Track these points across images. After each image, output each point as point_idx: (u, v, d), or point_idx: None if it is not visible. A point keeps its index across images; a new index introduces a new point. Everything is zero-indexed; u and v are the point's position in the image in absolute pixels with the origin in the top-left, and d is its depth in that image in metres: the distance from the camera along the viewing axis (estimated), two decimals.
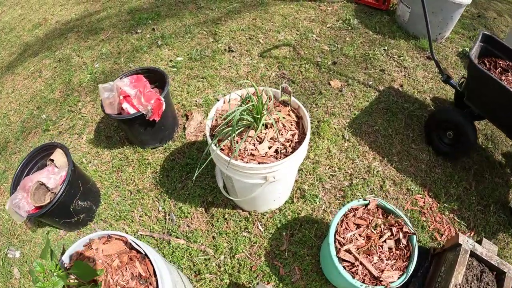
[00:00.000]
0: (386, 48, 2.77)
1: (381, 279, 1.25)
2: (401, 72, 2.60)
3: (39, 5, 3.88)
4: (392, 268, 1.29)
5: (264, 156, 1.36)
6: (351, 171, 2.01)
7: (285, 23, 3.06)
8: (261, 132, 1.41)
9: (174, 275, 1.25)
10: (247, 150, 1.37)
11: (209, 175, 2.00)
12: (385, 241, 1.35)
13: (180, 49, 2.87)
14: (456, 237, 1.51)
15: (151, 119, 1.86)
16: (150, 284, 1.08)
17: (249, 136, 1.39)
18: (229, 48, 2.82)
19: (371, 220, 1.38)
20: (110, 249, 1.13)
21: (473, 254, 1.50)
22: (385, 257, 1.32)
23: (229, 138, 1.36)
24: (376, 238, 1.34)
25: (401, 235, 1.35)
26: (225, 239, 1.77)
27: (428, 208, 1.87)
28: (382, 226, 1.37)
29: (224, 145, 1.39)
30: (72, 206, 1.71)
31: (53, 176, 1.69)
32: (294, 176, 1.83)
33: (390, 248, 1.34)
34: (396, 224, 1.38)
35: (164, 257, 1.71)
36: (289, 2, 3.32)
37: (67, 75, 2.80)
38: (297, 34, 2.94)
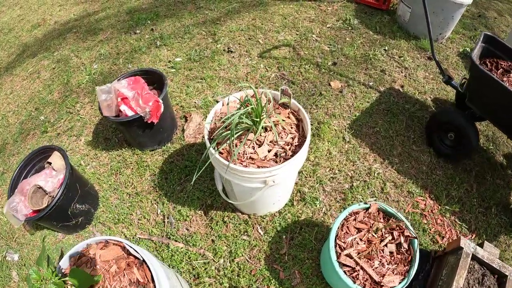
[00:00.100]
0: (386, 48, 2.75)
1: (382, 284, 1.24)
2: (401, 72, 2.59)
3: (38, 5, 3.86)
4: (393, 273, 1.28)
5: (264, 160, 1.35)
6: (351, 173, 2.00)
7: (285, 23, 3.04)
8: (261, 135, 1.40)
9: (173, 280, 1.24)
10: (246, 154, 1.36)
11: (208, 177, 1.99)
12: (386, 245, 1.33)
13: (179, 49, 2.85)
14: (457, 240, 1.49)
15: (149, 121, 1.84)
16: None
17: (248, 140, 1.38)
18: (228, 48, 2.80)
19: (372, 224, 1.37)
20: (107, 255, 1.12)
21: (474, 257, 1.48)
22: (386, 261, 1.30)
23: (228, 142, 1.34)
24: (377, 242, 1.32)
25: (402, 239, 1.34)
26: (225, 242, 1.76)
27: (429, 211, 1.86)
28: (383, 230, 1.36)
29: (223, 149, 1.38)
30: (70, 209, 1.70)
31: (51, 179, 1.68)
32: (294, 179, 1.82)
33: (391, 252, 1.32)
34: (397, 228, 1.36)
35: (163, 261, 1.69)
36: (288, 2, 3.30)
37: (66, 76, 2.79)
38: (297, 34, 2.92)
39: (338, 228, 1.37)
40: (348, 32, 2.93)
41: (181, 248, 1.74)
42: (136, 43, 2.97)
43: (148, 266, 1.10)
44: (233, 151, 1.33)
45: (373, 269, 1.27)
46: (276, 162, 1.35)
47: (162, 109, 1.87)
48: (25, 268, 1.79)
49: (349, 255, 1.30)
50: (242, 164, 1.34)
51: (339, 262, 1.28)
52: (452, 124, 1.92)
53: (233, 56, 2.74)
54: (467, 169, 2.03)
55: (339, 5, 3.23)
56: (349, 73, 2.57)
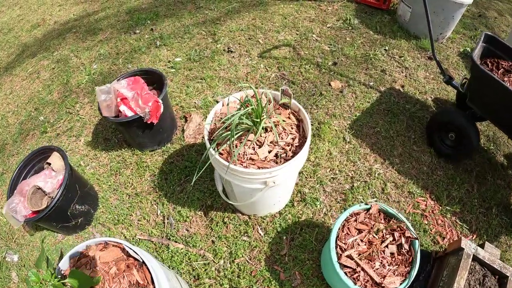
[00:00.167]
0: (387, 48, 2.75)
1: (383, 285, 1.24)
2: (402, 72, 2.58)
3: (38, 5, 3.85)
4: (394, 274, 1.27)
5: (264, 161, 1.34)
6: (352, 174, 1.99)
7: (285, 23, 3.03)
8: (261, 136, 1.39)
9: (173, 282, 1.23)
10: (246, 155, 1.35)
11: (208, 178, 1.98)
12: (387, 246, 1.33)
13: (178, 49, 2.85)
14: (458, 241, 1.49)
15: (149, 122, 1.83)
16: None
17: (249, 140, 1.37)
18: (228, 48, 2.79)
19: (373, 225, 1.36)
20: (107, 256, 1.11)
21: (475, 258, 1.48)
22: (387, 262, 1.30)
23: (228, 143, 1.34)
24: (378, 243, 1.32)
25: (403, 240, 1.33)
26: (225, 243, 1.75)
27: (430, 211, 1.85)
28: (384, 231, 1.35)
29: (223, 150, 1.37)
30: (69, 210, 1.69)
31: (50, 180, 1.67)
32: (295, 180, 1.81)
33: (392, 253, 1.32)
34: (398, 228, 1.36)
35: (163, 262, 1.69)
36: (288, 1, 3.29)
37: (65, 76, 2.78)
38: (297, 34, 2.91)
39: (339, 229, 1.36)
40: (348, 32, 2.92)
41: (181, 249, 1.74)
42: (136, 43, 2.96)
43: (148, 268, 1.09)
44: (233, 152, 1.33)
45: (374, 270, 1.27)
46: (277, 162, 1.35)
47: (161, 110, 1.87)
48: (25, 269, 1.78)
49: (350, 256, 1.29)
50: (242, 165, 1.33)
51: (340, 263, 1.27)
52: (453, 124, 1.92)
53: (233, 56, 2.74)
54: (467, 169, 2.03)
55: (339, 5, 3.22)
56: (350, 73, 2.56)
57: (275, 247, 1.73)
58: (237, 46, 2.82)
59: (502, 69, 1.83)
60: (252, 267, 1.67)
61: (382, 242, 1.33)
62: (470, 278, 1.44)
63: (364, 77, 2.54)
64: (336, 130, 2.20)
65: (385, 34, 2.87)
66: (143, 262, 1.11)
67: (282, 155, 1.36)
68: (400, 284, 1.25)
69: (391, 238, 1.34)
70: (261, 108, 1.29)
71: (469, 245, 1.46)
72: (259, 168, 1.32)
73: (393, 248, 1.32)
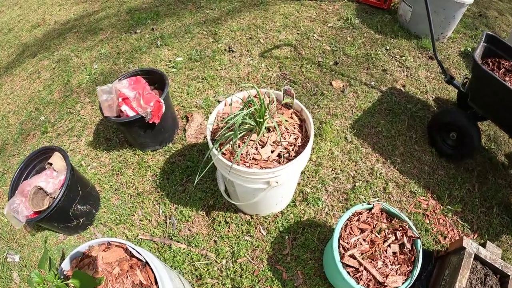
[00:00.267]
0: (388, 48, 2.75)
1: (385, 284, 1.24)
2: (403, 72, 2.58)
3: (38, 5, 3.84)
4: (396, 273, 1.27)
5: (267, 161, 1.34)
6: (354, 174, 1.99)
7: (286, 22, 3.03)
8: (264, 136, 1.39)
9: (176, 282, 1.23)
10: (249, 155, 1.35)
11: (210, 178, 1.98)
12: (389, 245, 1.33)
13: (179, 49, 2.84)
14: (460, 240, 1.49)
15: (150, 122, 1.83)
16: None
17: (251, 140, 1.37)
18: (229, 48, 2.79)
19: (375, 225, 1.37)
20: (110, 257, 1.11)
21: (477, 258, 1.48)
22: (390, 262, 1.30)
23: (231, 143, 1.34)
24: (380, 242, 1.32)
25: (405, 239, 1.33)
26: (227, 243, 1.75)
27: (432, 211, 1.86)
28: (386, 230, 1.35)
29: (225, 150, 1.37)
30: (71, 210, 1.69)
31: (52, 180, 1.67)
32: (297, 180, 1.81)
33: (394, 253, 1.32)
34: (401, 228, 1.36)
35: (165, 262, 1.69)
36: (289, 1, 3.29)
37: (66, 76, 2.78)
38: (298, 33, 2.91)
39: (342, 228, 1.36)
40: (349, 31, 2.92)
41: (183, 249, 1.74)
42: (137, 43, 2.96)
43: (151, 268, 1.09)
44: (236, 152, 1.33)
45: (376, 270, 1.27)
46: (279, 162, 1.35)
47: (163, 109, 1.86)
48: (26, 269, 1.78)
49: (352, 256, 1.29)
50: (245, 165, 1.33)
51: (343, 263, 1.28)
52: (454, 124, 1.92)
53: (234, 56, 2.73)
54: (469, 169, 2.03)
55: (340, 5, 3.22)
56: (351, 73, 2.56)
57: (277, 247, 1.73)
58: (238, 45, 2.82)
59: (503, 69, 1.83)
60: (255, 266, 1.67)
61: (385, 241, 1.33)
62: (471, 277, 1.44)
63: (365, 76, 2.54)
64: (337, 130, 2.20)
65: (386, 34, 2.87)
66: (146, 262, 1.11)
67: (284, 155, 1.36)
68: (403, 283, 1.25)
69: (393, 238, 1.34)
70: (264, 108, 1.29)
71: (470, 244, 1.46)
72: (262, 168, 1.32)
73: (395, 247, 1.32)
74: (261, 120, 1.31)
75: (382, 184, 1.95)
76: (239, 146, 1.37)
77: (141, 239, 1.79)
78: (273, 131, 1.41)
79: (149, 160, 2.10)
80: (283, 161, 1.35)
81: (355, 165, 2.03)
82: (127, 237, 1.81)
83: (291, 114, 1.50)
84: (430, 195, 1.92)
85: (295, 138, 1.41)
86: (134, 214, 1.89)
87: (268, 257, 1.70)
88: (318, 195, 1.89)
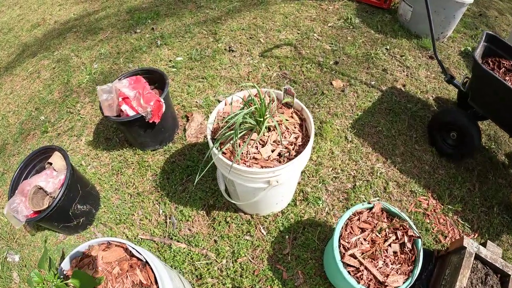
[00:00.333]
0: (388, 47, 2.75)
1: (386, 284, 1.23)
2: (403, 71, 2.58)
3: (38, 5, 3.84)
4: (397, 273, 1.27)
5: (267, 160, 1.34)
6: (354, 173, 1.99)
7: (286, 22, 3.03)
8: (264, 135, 1.39)
9: (176, 282, 1.23)
10: (249, 154, 1.35)
11: (210, 177, 1.98)
12: (390, 245, 1.32)
13: (179, 49, 2.84)
14: (460, 240, 1.49)
15: (150, 121, 1.83)
16: None
17: (252, 139, 1.37)
18: (229, 47, 2.79)
19: (376, 224, 1.36)
20: (110, 256, 1.11)
21: (477, 257, 1.48)
22: (390, 261, 1.30)
23: (231, 142, 1.33)
24: (381, 242, 1.32)
25: (406, 238, 1.33)
26: (227, 242, 1.75)
27: (432, 210, 1.85)
28: (387, 230, 1.35)
29: (226, 149, 1.37)
30: (71, 210, 1.68)
31: (52, 179, 1.67)
32: (297, 179, 1.81)
33: (395, 252, 1.32)
34: (401, 227, 1.36)
35: (165, 262, 1.69)
36: (289, 1, 3.29)
37: (66, 75, 2.77)
38: (298, 33, 2.91)
39: (342, 228, 1.36)
40: (349, 31, 2.92)
41: (184, 248, 1.73)
42: (137, 43, 2.96)
43: (151, 268, 1.09)
44: (237, 151, 1.32)
45: (377, 269, 1.27)
46: (280, 162, 1.34)
47: (163, 109, 1.86)
48: (26, 269, 1.78)
49: (353, 255, 1.29)
50: (245, 164, 1.33)
51: (343, 262, 1.27)
52: (455, 123, 1.92)
53: (235, 55, 2.73)
54: (469, 168, 2.03)
55: (340, 4, 3.22)
56: (351, 72, 2.56)
57: (278, 247, 1.73)
58: (238, 45, 2.82)
59: (503, 68, 1.83)
60: (255, 266, 1.67)
61: (385, 241, 1.33)
62: (472, 277, 1.44)
63: (366, 76, 2.54)
64: (338, 129, 2.20)
65: (386, 33, 2.87)
66: (146, 262, 1.11)
67: (285, 154, 1.36)
68: (403, 283, 1.25)
69: (394, 237, 1.34)
70: (264, 107, 1.29)
71: (471, 244, 1.46)
72: (262, 167, 1.31)
73: (396, 247, 1.32)
74: (262, 119, 1.31)
75: (382, 183, 1.95)
76: (239, 145, 1.36)
77: (141, 238, 1.79)
78: (274, 130, 1.40)
79: (149, 159, 2.10)
80: (284, 161, 1.34)
81: (356, 165, 2.03)
82: (127, 237, 1.81)
83: (292, 113, 1.50)
84: (431, 194, 1.91)
85: (295, 138, 1.41)
86: (134, 213, 1.89)
87: (269, 256, 1.70)
88: (319, 195, 1.89)
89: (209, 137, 1.40)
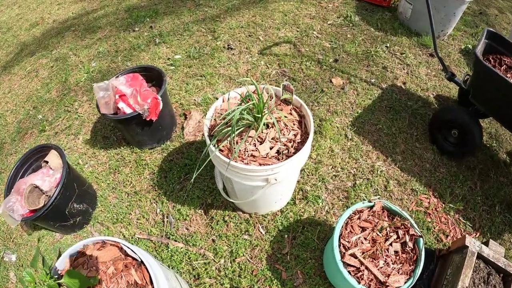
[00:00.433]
0: (388, 45, 2.72)
1: (387, 284, 1.21)
2: (403, 69, 2.56)
3: (37, 4, 3.83)
4: (398, 273, 1.25)
5: (265, 157, 1.31)
6: (354, 171, 1.97)
7: (285, 20, 3.01)
8: (262, 132, 1.37)
9: (172, 282, 1.20)
10: (247, 151, 1.33)
11: (208, 176, 1.96)
12: (391, 244, 1.30)
13: (178, 47, 2.82)
14: (462, 239, 1.47)
15: (148, 119, 1.81)
16: None
17: (250, 137, 1.34)
18: (228, 45, 2.77)
19: (377, 223, 1.34)
20: (104, 256, 1.09)
21: (480, 256, 1.45)
22: (391, 261, 1.27)
23: (229, 139, 1.31)
24: (382, 241, 1.29)
25: (407, 238, 1.31)
26: (225, 242, 1.73)
27: (433, 209, 1.83)
28: (388, 228, 1.33)
29: (223, 146, 1.34)
30: (67, 209, 1.66)
31: (48, 178, 1.65)
32: (296, 177, 1.79)
33: (396, 252, 1.29)
34: (402, 226, 1.33)
35: (162, 261, 1.66)
36: None
37: (64, 74, 2.76)
38: (297, 31, 2.89)
39: (342, 227, 1.34)
40: (349, 29, 2.90)
41: (181, 248, 1.71)
42: (135, 41, 2.94)
43: (146, 267, 1.07)
44: (234, 148, 1.30)
45: (378, 269, 1.24)
46: (278, 159, 1.32)
47: (161, 107, 1.84)
48: (23, 268, 1.76)
49: (353, 255, 1.27)
50: (243, 161, 1.30)
51: (344, 262, 1.25)
52: (456, 121, 1.90)
53: (233, 53, 2.71)
54: (470, 166, 2.01)
55: (339, 2, 3.20)
56: (351, 70, 2.54)
57: (277, 246, 1.70)
58: (237, 43, 2.80)
59: (504, 66, 1.81)
60: (253, 266, 1.65)
61: (386, 240, 1.31)
62: (474, 276, 1.41)
63: (366, 74, 2.52)
64: (337, 127, 2.18)
65: (386, 31, 2.85)
66: (142, 261, 1.09)
67: (284, 152, 1.34)
68: (405, 283, 1.22)
69: (395, 236, 1.32)
70: (263, 104, 1.27)
71: (473, 243, 1.44)
72: (260, 165, 1.29)
73: (397, 246, 1.30)
74: (260, 115, 1.28)
75: (383, 182, 1.93)
76: (237, 142, 1.34)
77: (138, 238, 1.77)
78: (272, 127, 1.38)
79: (147, 158, 2.08)
80: (282, 158, 1.32)
81: (356, 163, 2.00)
82: (124, 236, 1.79)
83: (290, 110, 1.48)
84: (432, 193, 1.89)
85: (294, 135, 1.39)
86: (131, 212, 1.87)
87: (267, 256, 1.68)
88: (318, 193, 1.87)
89: (206, 134, 1.37)
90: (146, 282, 1.04)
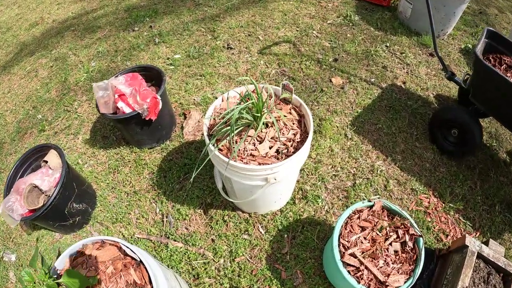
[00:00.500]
0: (388, 44, 2.72)
1: (387, 283, 1.21)
2: (403, 69, 2.55)
3: (36, 4, 3.83)
4: (398, 272, 1.24)
5: (265, 157, 1.31)
6: (354, 171, 1.96)
7: (285, 19, 3.00)
8: (261, 132, 1.36)
9: (172, 281, 1.20)
10: (246, 151, 1.32)
11: (207, 175, 1.95)
12: (390, 244, 1.30)
13: (178, 46, 2.82)
14: (462, 239, 1.46)
15: (147, 119, 1.81)
16: None
17: (249, 136, 1.34)
18: (227, 45, 2.76)
19: (376, 222, 1.34)
20: (104, 255, 1.09)
21: (480, 256, 1.45)
22: (391, 260, 1.27)
23: (228, 138, 1.31)
24: (381, 241, 1.29)
25: (407, 237, 1.30)
26: (225, 242, 1.72)
27: (433, 208, 1.83)
28: (388, 228, 1.32)
29: (222, 146, 1.34)
30: (66, 208, 1.66)
31: (47, 178, 1.65)
32: (296, 177, 1.78)
33: (396, 251, 1.29)
34: (402, 226, 1.33)
35: (162, 261, 1.66)
36: None
37: (63, 74, 2.75)
38: (297, 30, 2.89)
39: (342, 226, 1.34)
40: (349, 28, 2.89)
41: (180, 247, 1.71)
42: (135, 41, 2.94)
43: (145, 267, 1.07)
44: (233, 147, 1.30)
45: (377, 269, 1.24)
46: (278, 159, 1.32)
47: (160, 106, 1.84)
48: (22, 268, 1.76)
49: (353, 255, 1.26)
50: (242, 161, 1.30)
51: (343, 262, 1.25)
52: (456, 120, 1.89)
53: (233, 53, 2.71)
54: (470, 166, 2.00)
55: (339, 1, 3.20)
56: (351, 70, 2.54)
57: (276, 246, 1.70)
58: (237, 42, 2.80)
59: (504, 65, 1.80)
60: (253, 266, 1.64)
61: (386, 239, 1.30)
62: (474, 276, 1.41)
63: (365, 73, 2.52)
64: (337, 127, 2.18)
65: (386, 31, 2.85)
66: (141, 261, 1.08)
67: (283, 151, 1.33)
68: (405, 282, 1.22)
69: (395, 236, 1.31)
70: (262, 103, 1.26)
71: (473, 243, 1.43)
72: (259, 164, 1.29)
73: (397, 246, 1.29)
74: (259, 115, 1.28)
75: (382, 181, 1.92)
76: (236, 142, 1.34)
77: (138, 237, 1.77)
78: (271, 126, 1.38)
79: (146, 157, 2.08)
80: (282, 157, 1.32)
81: (356, 162, 2.00)
82: (124, 236, 1.78)
83: (290, 109, 1.47)
84: (432, 192, 1.89)
85: (293, 134, 1.39)
86: (130, 212, 1.87)
87: (267, 256, 1.67)
88: (318, 193, 1.86)
89: (205, 133, 1.37)
90: (145, 281, 1.04)
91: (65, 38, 3.15)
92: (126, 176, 2.01)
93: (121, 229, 1.81)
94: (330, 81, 2.46)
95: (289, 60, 2.62)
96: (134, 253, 1.09)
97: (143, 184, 1.97)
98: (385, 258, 1.27)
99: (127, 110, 1.79)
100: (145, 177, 2.00)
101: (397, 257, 1.28)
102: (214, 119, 1.46)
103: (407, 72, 2.53)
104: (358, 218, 1.36)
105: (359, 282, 1.21)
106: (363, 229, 1.34)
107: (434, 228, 1.75)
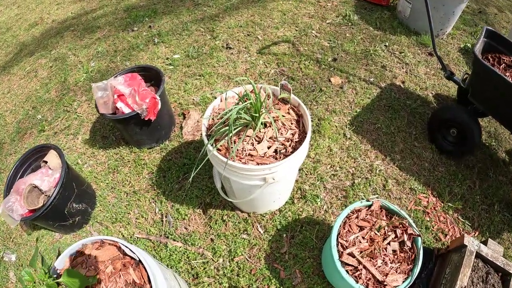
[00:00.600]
0: (387, 44, 2.72)
1: (385, 283, 1.21)
2: (402, 68, 2.55)
3: (36, 4, 3.83)
4: (396, 272, 1.25)
5: (263, 157, 1.32)
6: (353, 170, 1.97)
7: (284, 19, 3.00)
8: (260, 132, 1.37)
9: (171, 281, 1.21)
10: (245, 150, 1.33)
11: (206, 175, 1.96)
12: (389, 243, 1.30)
13: (177, 46, 2.82)
14: (461, 238, 1.47)
15: (146, 119, 1.81)
16: None
17: (247, 136, 1.35)
18: (227, 45, 2.77)
19: (375, 222, 1.34)
20: (103, 255, 1.09)
21: (478, 255, 1.45)
22: (389, 260, 1.27)
23: (226, 138, 1.31)
24: (380, 240, 1.29)
25: (405, 237, 1.31)
26: (224, 241, 1.73)
27: (432, 208, 1.83)
28: (386, 228, 1.33)
29: (221, 146, 1.34)
30: (66, 208, 1.67)
31: (47, 178, 1.65)
32: (295, 177, 1.79)
33: (394, 251, 1.29)
34: (401, 225, 1.33)
35: (161, 261, 1.67)
36: None
37: (63, 74, 2.76)
38: (296, 30, 2.89)
39: (340, 226, 1.34)
40: (348, 28, 2.89)
41: (180, 247, 1.71)
42: (134, 41, 2.94)
43: (144, 267, 1.07)
44: (232, 147, 1.30)
45: (376, 268, 1.24)
46: (276, 158, 1.32)
47: (159, 106, 1.84)
48: (23, 268, 1.76)
49: (351, 254, 1.27)
50: (241, 161, 1.31)
51: (341, 261, 1.25)
52: (455, 120, 1.89)
53: (232, 53, 2.71)
54: (469, 165, 2.00)
55: (338, 1, 3.20)
56: (350, 69, 2.54)
57: (275, 245, 1.71)
58: (236, 42, 2.80)
59: (503, 64, 1.80)
60: (252, 265, 1.65)
61: (384, 239, 1.31)
62: (473, 276, 1.42)
63: (364, 73, 2.52)
64: (336, 126, 2.18)
65: (385, 30, 2.85)
66: (140, 260, 1.09)
67: (281, 151, 1.34)
68: (403, 282, 1.22)
69: (393, 235, 1.32)
70: (260, 103, 1.27)
71: (472, 242, 1.44)
72: (258, 164, 1.29)
73: (395, 245, 1.30)
74: (257, 115, 1.28)
75: (381, 181, 1.93)
76: (234, 142, 1.34)
77: (137, 237, 1.77)
78: (270, 126, 1.38)
79: (146, 157, 2.08)
80: (280, 157, 1.32)
81: (354, 162, 2.00)
82: (123, 236, 1.79)
83: (288, 109, 1.48)
84: (431, 192, 1.89)
85: (292, 134, 1.39)
86: (130, 212, 1.87)
87: (266, 255, 1.68)
88: (317, 192, 1.87)
89: (204, 133, 1.37)
90: (144, 281, 1.05)
91: (65, 38, 3.16)
92: (125, 176, 2.02)
93: (120, 229, 1.81)
94: (329, 80, 2.46)
95: (288, 60, 2.62)
96: (133, 252, 1.09)
97: (142, 184, 1.97)
98: (384, 258, 1.27)
99: (126, 110, 1.79)
100: (144, 177, 2.00)
101: (396, 256, 1.28)
102: (212, 119, 1.46)
103: (406, 72, 2.53)
104: (357, 217, 1.37)
105: (357, 282, 1.21)
106: (361, 228, 1.34)
107: (433, 227, 1.76)
